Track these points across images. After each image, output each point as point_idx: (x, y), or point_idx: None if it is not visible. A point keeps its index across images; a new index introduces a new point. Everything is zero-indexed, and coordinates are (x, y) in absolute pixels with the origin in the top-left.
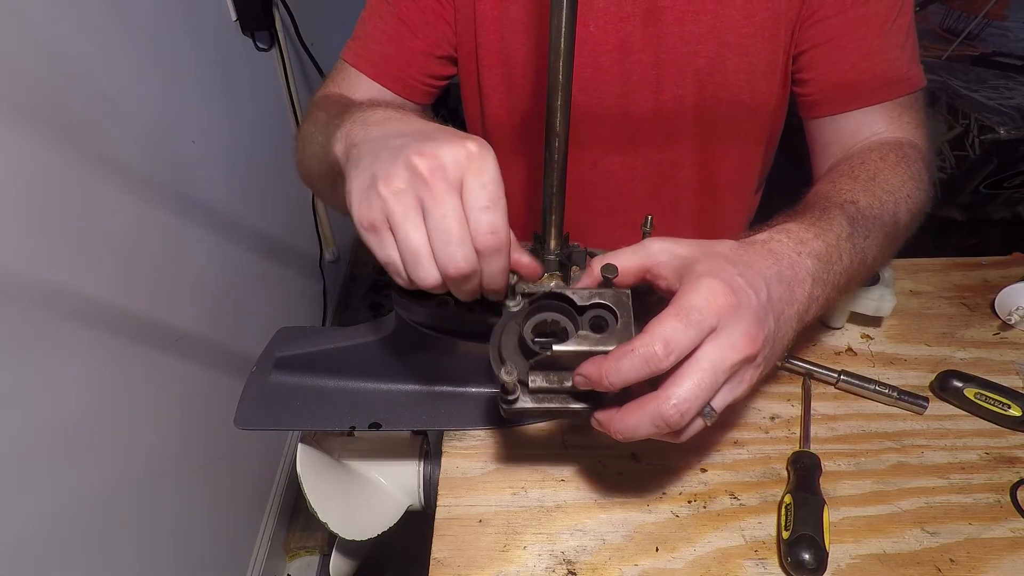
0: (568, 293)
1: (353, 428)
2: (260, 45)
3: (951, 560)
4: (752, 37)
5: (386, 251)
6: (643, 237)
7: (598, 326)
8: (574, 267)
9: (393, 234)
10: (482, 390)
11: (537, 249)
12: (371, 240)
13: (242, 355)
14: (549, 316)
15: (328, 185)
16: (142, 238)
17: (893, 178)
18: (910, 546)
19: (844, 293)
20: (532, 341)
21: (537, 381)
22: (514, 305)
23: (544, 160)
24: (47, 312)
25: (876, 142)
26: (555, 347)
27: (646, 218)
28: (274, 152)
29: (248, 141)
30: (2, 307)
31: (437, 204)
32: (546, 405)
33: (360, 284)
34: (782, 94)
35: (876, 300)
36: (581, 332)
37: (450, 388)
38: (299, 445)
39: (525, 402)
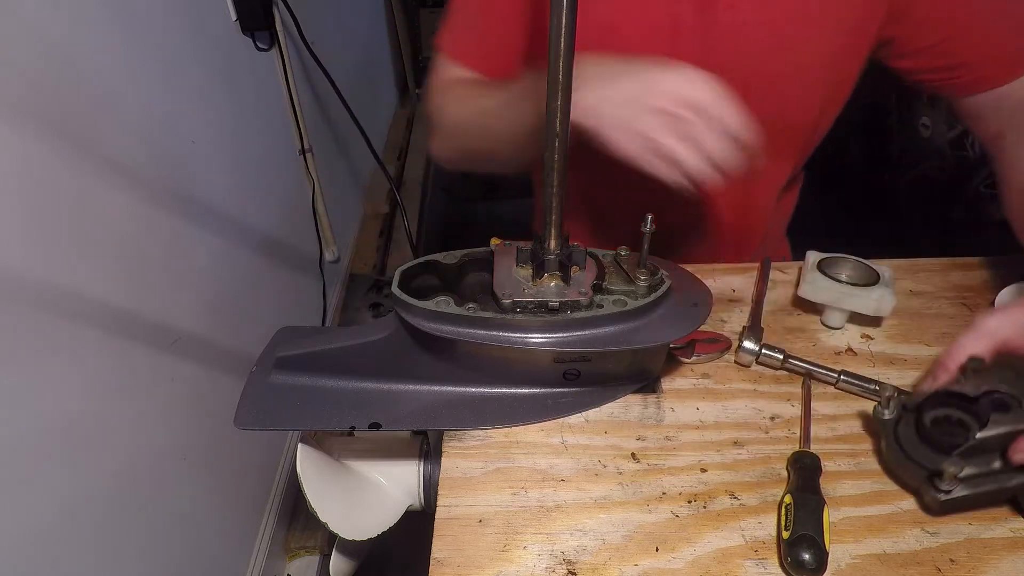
0: (957, 390)
1: (353, 428)
2: (260, 45)
3: (951, 560)
4: (806, 32)
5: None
6: (643, 237)
7: (1003, 405)
8: (574, 267)
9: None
10: (482, 390)
11: (537, 249)
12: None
13: (242, 355)
14: (948, 412)
15: (503, 131)
16: (141, 238)
17: None
18: (910, 546)
19: None
20: (942, 436)
21: (967, 469)
22: (888, 413)
23: (544, 161)
24: (47, 312)
25: None
26: (981, 434)
27: (646, 218)
28: (274, 152)
29: (248, 141)
30: (1, 306)
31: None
32: (983, 489)
33: (360, 284)
34: (843, 90)
35: (876, 300)
36: (995, 416)
37: (450, 388)
38: (299, 445)
39: (962, 491)
